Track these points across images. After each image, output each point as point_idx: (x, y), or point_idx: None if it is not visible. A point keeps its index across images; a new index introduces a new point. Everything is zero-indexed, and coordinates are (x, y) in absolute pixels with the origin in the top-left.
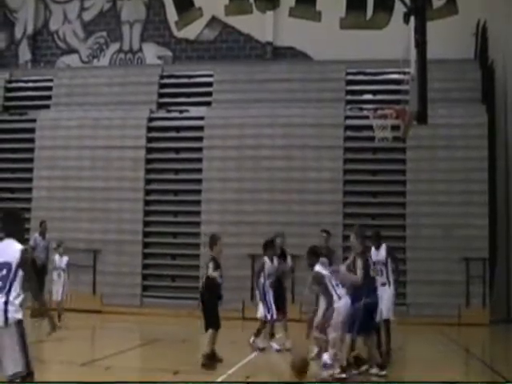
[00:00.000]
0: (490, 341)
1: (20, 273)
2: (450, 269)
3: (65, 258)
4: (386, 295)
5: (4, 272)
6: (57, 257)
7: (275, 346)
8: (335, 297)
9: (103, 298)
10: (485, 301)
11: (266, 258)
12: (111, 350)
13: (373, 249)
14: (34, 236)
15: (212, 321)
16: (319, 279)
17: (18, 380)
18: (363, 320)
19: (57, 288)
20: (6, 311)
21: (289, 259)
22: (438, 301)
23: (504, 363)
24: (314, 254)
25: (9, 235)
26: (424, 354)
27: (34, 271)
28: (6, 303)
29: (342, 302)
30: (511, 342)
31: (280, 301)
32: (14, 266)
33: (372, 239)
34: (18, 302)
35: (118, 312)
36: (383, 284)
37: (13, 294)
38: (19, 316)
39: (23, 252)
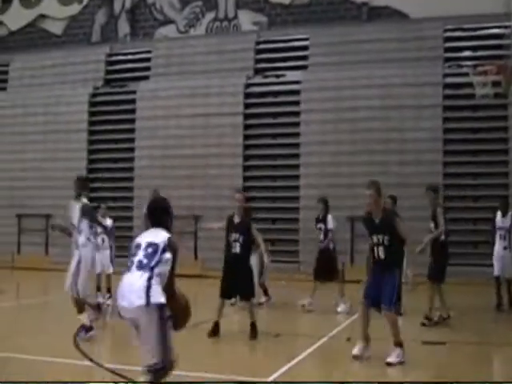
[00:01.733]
0: None
1: (167, 256)
2: None
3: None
4: (508, 258)
5: (150, 250)
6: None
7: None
8: None
9: (205, 263)
10: None
11: None
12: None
13: (499, 215)
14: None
15: None
16: None
17: (152, 372)
18: None
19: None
20: (148, 288)
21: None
22: None
23: None
24: None
25: (158, 225)
26: None
27: None
28: (150, 279)
29: None
30: None
31: None
32: (160, 248)
33: (500, 206)
34: (161, 285)
35: (218, 277)
36: (505, 248)
37: (156, 274)
38: (162, 299)
39: (170, 239)
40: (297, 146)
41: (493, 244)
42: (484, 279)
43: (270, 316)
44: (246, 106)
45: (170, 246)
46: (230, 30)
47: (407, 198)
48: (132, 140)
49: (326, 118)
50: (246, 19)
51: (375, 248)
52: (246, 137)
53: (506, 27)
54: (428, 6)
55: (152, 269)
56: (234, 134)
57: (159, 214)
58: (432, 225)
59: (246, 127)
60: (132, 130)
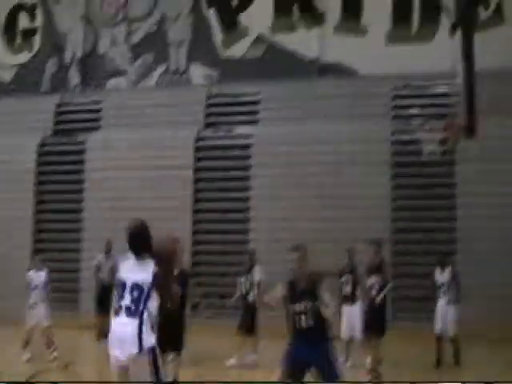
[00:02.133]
0: None
1: (153, 296)
2: (506, 283)
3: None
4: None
5: (135, 294)
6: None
7: None
8: None
9: None
10: None
11: None
12: None
13: (437, 271)
14: (99, 256)
15: None
16: None
17: None
18: None
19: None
20: (140, 334)
21: None
22: (494, 318)
23: None
24: None
25: (141, 252)
26: None
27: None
28: (141, 325)
29: None
30: None
31: None
32: (145, 293)
33: (437, 262)
34: (150, 322)
35: None
36: (448, 303)
37: (146, 318)
38: (153, 341)
39: (156, 275)
40: (247, 200)
41: (435, 300)
42: (431, 334)
43: None
44: (197, 159)
45: (155, 285)
46: (182, 83)
47: (358, 252)
48: (81, 191)
49: (276, 173)
50: (198, 73)
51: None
52: (197, 190)
53: (452, 86)
54: (377, 64)
55: (141, 314)
56: (184, 188)
57: (143, 241)
58: (375, 279)
59: (197, 181)
60: (81, 181)
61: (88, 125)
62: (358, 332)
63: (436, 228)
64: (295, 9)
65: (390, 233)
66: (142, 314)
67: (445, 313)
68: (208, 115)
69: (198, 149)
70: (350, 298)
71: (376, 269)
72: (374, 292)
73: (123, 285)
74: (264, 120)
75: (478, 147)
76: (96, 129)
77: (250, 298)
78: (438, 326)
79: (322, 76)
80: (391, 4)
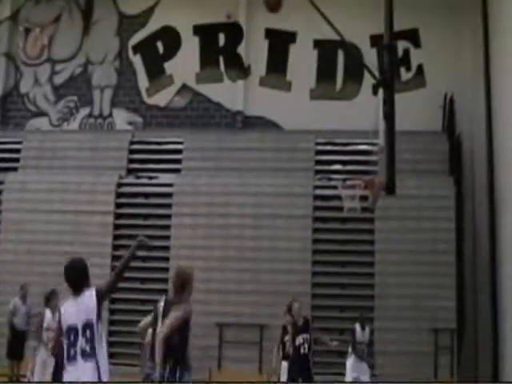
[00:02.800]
0: None
1: (101, 317)
2: (418, 340)
3: None
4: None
5: (88, 334)
6: None
7: None
8: None
9: None
10: (453, 372)
11: None
12: None
13: (358, 328)
14: (14, 300)
15: None
16: None
17: None
18: None
19: None
20: (99, 373)
21: None
22: (406, 371)
23: None
24: None
25: (81, 288)
26: None
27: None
28: (97, 363)
29: None
30: None
31: None
32: (95, 325)
33: (359, 319)
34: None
35: None
36: (361, 359)
37: (100, 351)
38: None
39: (97, 291)
40: (167, 248)
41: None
42: None
43: None
44: (118, 205)
45: (99, 302)
46: (105, 127)
47: (278, 305)
48: None
49: (197, 223)
50: (121, 118)
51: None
52: (116, 237)
53: (373, 144)
54: (301, 119)
55: (96, 353)
56: (104, 233)
57: (83, 276)
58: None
59: (116, 227)
60: None
61: (6, 165)
62: None
63: (354, 284)
64: (221, 60)
65: (311, 287)
66: (96, 351)
67: (359, 367)
68: (130, 161)
69: (119, 195)
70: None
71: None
72: (302, 350)
73: (73, 329)
74: (186, 169)
75: (397, 205)
76: (14, 169)
77: None
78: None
79: (246, 128)
80: (316, 61)
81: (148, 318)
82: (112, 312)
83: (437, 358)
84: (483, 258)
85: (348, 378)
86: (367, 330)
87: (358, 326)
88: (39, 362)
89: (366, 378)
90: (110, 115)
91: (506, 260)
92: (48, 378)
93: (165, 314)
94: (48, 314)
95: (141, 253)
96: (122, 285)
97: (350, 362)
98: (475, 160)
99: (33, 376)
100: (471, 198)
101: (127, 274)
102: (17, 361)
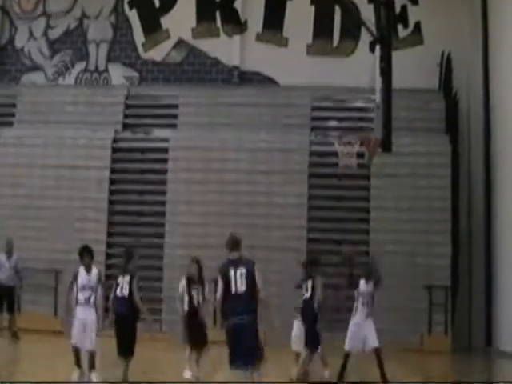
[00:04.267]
0: (451, 369)
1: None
2: (413, 296)
3: None
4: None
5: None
6: None
7: None
8: None
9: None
10: (447, 329)
11: None
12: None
13: (362, 280)
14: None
15: None
16: None
17: None
18: None
19: None
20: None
21: None
22: (401, 328)
23: None
24: None
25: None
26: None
27: None
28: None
29: None
30: (472, 370)
31: None
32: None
33: (363, 271)
34: None
35: None
36: (367, 316)
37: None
38: None
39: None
40: (163, 203)
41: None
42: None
43: None
44: (114, 160)
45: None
46: (100, 82)
47: (273, 261)
48: None
49: (193, 178)
50: (117, 73)
51: None
52: (112, 192)
53: (370, 101)
54: (297, 76)
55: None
56: (100, 189)
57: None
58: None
59: (113, 182)
60: None
61: (1, 120)
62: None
63: (350, 240)
64: (217, 15)
65: (306, 243)
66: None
67: (362, 327)
68: (126, 116)
69: (115, 150)
70: None
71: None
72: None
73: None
74: (182, 124)
75: (392, 163)
76: (10, 124)
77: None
78: (350, 342)
79: (243, 84)
80: (313, 17)
81: None
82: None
83: (431, 314)
84: (478, 215)
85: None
86: (371, 282)
87: (362, 279)
88: (77, 324)
89: (372, 337)
90: (106, 70)
91: (502, 217)
92: (93, 336)
93: None
94: (82, 271)
95: (136, 207)
96: (118, 239)
97: (354, 320)
98: (471, 118)
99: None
100: (467, 156)
101: (122, 229)
102: (9, 315)
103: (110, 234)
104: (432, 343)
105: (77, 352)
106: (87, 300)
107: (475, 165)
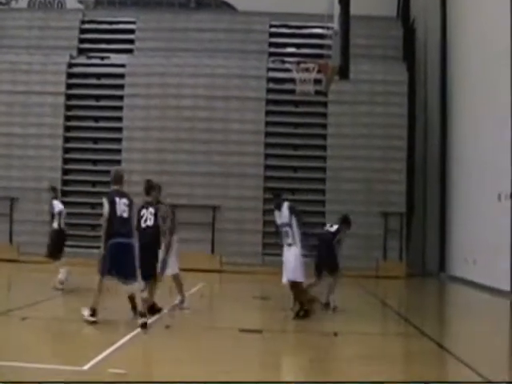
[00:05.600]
0: (406, 293)
1: None
2: (369, 223)
3: None
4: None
5: None
6: None
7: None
8: None
9: (20, 247)
10: (401, 254)
11: None
12: (27, 301)
13: (275, 213)
14: None
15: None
16: None
17: None
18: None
19: None
20: None
21: None
22: (357, 254)
23: (417, 314)
24: None
25: None
26: (342, 306)
27: None
28: None
29: None
30: (425, 295)
31: None
32: None
33: (273, 200)
34: None
35: (34, 261)
36: (289, 245)
37: None
38: None
39: None
40: (119, 130)
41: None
42: None
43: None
44: (69, 86)
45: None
46: (55, 6)
47: (230, 187)
48: None
49: (150, 104)
50: None
51: None
52: (68, 118)
53: (328, 28)
54: (255, 1)
55: None
56: (55, 115)
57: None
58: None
59: (68, 108)
60: None
61: None
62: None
63: (307, 167)
64: None
65: (263, 169)
66: None
67: (288, 260)
68: (81, 41)
69: (70, 75)
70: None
71: None
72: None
73: None
74: (139, 50)
75: (350, 90)
76: None
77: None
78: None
79: (200, 9)
80: None
81: None
82: (64, 193)
83: (386, 240)
84: (434, 143)
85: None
86: (285, 209)
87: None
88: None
89: (291, 261)
90: None
91: (457, 146)
92: None
93: None
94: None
95: (92, 134)
96: (74, 165)
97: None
98: (428, 47)
99: None
100: (423, 84)
101: (78, 156)
102: None
103: (65, 161)
104: (387, 269)
105: None
106: None
107: (431, 92)
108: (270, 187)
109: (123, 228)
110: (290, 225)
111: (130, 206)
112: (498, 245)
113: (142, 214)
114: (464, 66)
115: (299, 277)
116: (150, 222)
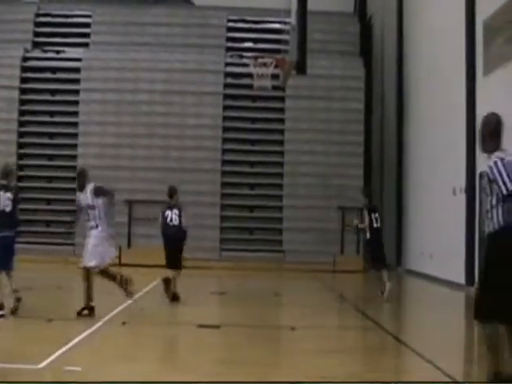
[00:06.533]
0: (363, 287)
1: None
2: (326, 217)
3: None
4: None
5: None
6: None
7: None
8: None
9: None
10: (358, 249)
11: None
12: None
13: (77, 192)
14: None
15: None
16: None
17: None
18: None
19: None
20: None
21: None
22: (314, 248)
23: (374, 308)
24: None
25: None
26: (299, 300)
27: None
28: None
29: None
30: (381, 286)
31: None
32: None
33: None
34: None
35: None
36: (91, 228)
37: None
38: None
39: None
40: (75, 125)
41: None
42: None
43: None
44: (23, 80)
45: None
46: None
47: (187, 182)
48: None
49: (106, 99)
50: None
51: None
52: (22, 112)
53: (285, 23)
54: None
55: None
56: (9, 109)
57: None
58: None
59: (22, 102)
60: None
61: None
62: None
63: (264, 162)
64: None
65: (221, 164)
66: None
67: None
68: (36, 34)
69: (24, 69)
70: None
71: None
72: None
73: None
74: (95, 44)
75: (307, 85)
76: None
77: None
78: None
79: (157, 3)
80: None
81: None
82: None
83: (343, 235)
84: (391, 138)
85: None
86: (88, 189)
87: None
88: None
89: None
90: None
91: (412, 138)
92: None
93: None
94: None
95: (47, 129)
96: (29, 161)
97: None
98: (385, 43)
99: None
100: (380, 80)
101: (33, 151)
102: None
103: (20, 156)
104: (344, 263)
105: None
106: None
107: (388, 88)
108: (227, 182)
109: (3, 221)
110: (93, 207)
111: (15, 200)
112: (453, 239)
113: (166, 214)
114: (419, 62)
115: (88, 262)
116: (176, 222)
